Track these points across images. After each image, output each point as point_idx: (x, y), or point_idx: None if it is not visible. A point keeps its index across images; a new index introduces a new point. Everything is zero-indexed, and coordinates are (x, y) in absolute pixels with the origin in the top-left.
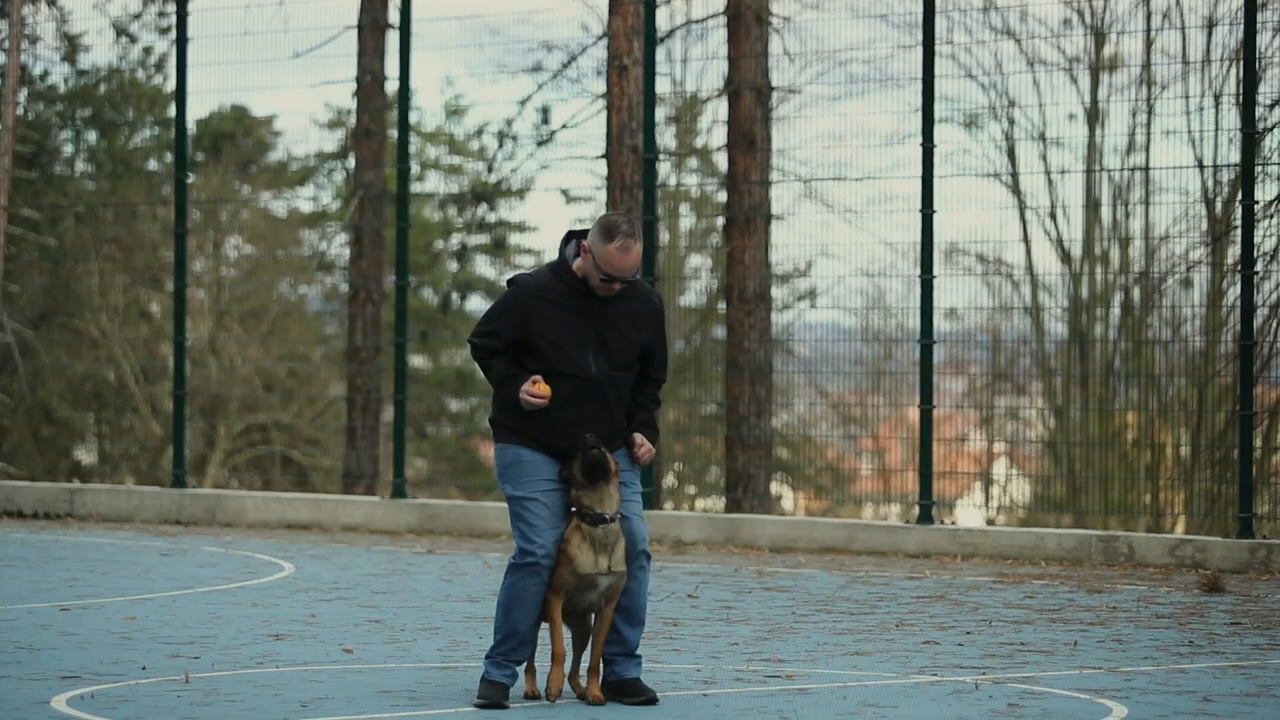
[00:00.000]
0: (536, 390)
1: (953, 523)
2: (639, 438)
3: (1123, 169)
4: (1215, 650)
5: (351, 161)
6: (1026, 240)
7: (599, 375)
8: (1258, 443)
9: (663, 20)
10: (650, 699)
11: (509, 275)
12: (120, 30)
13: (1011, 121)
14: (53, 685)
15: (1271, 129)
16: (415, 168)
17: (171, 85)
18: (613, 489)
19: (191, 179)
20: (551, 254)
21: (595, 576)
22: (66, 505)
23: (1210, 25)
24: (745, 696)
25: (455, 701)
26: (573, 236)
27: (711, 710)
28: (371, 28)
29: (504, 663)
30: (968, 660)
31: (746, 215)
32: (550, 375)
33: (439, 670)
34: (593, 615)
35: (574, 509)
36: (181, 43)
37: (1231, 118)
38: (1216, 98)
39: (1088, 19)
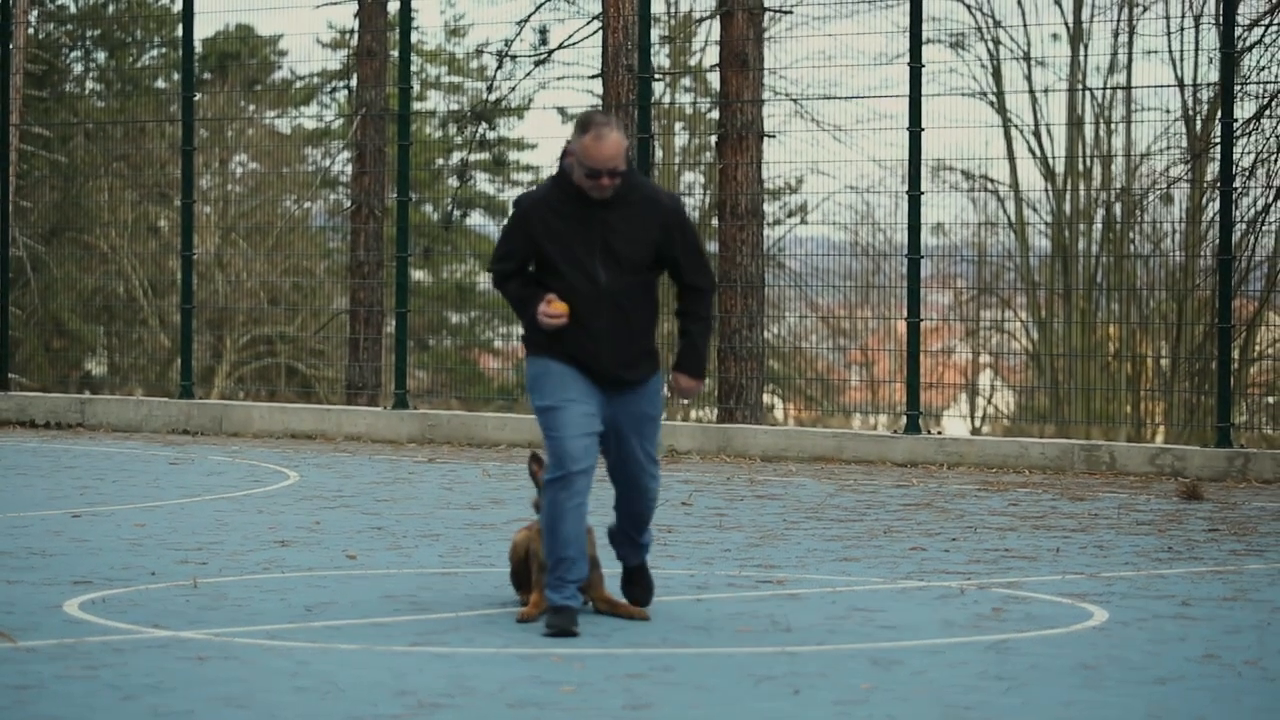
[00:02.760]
0: (552, 310)
1: (939, 432)
2: (678, 377)
3: (1105, 88)
4: (1193, 556)
5: (354, 80)
6: (1011, 157)
7: (610, 284)
8: (1235, 355)
9: None
10: (640, 599)
11: (508, 191)
12: None
13: (997, 42)
14: (65, 590)
15: (1250, 48)
16: (416, 86)
17: (179, 5)
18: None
19: (198, 97)
20: (549, 171)
21: None
22: (77, 415)
23: None
24: (737, 601)
25: (456, 606)
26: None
27: (704, 615)
28: None
29: (561, 584)
30: (953, 566)
31: (739, 133)
32: (565, 288)
33: (440, 575)
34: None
35: (535, 508)
36: None
37: (1211, 37)
38: (1196, 18)
39: None
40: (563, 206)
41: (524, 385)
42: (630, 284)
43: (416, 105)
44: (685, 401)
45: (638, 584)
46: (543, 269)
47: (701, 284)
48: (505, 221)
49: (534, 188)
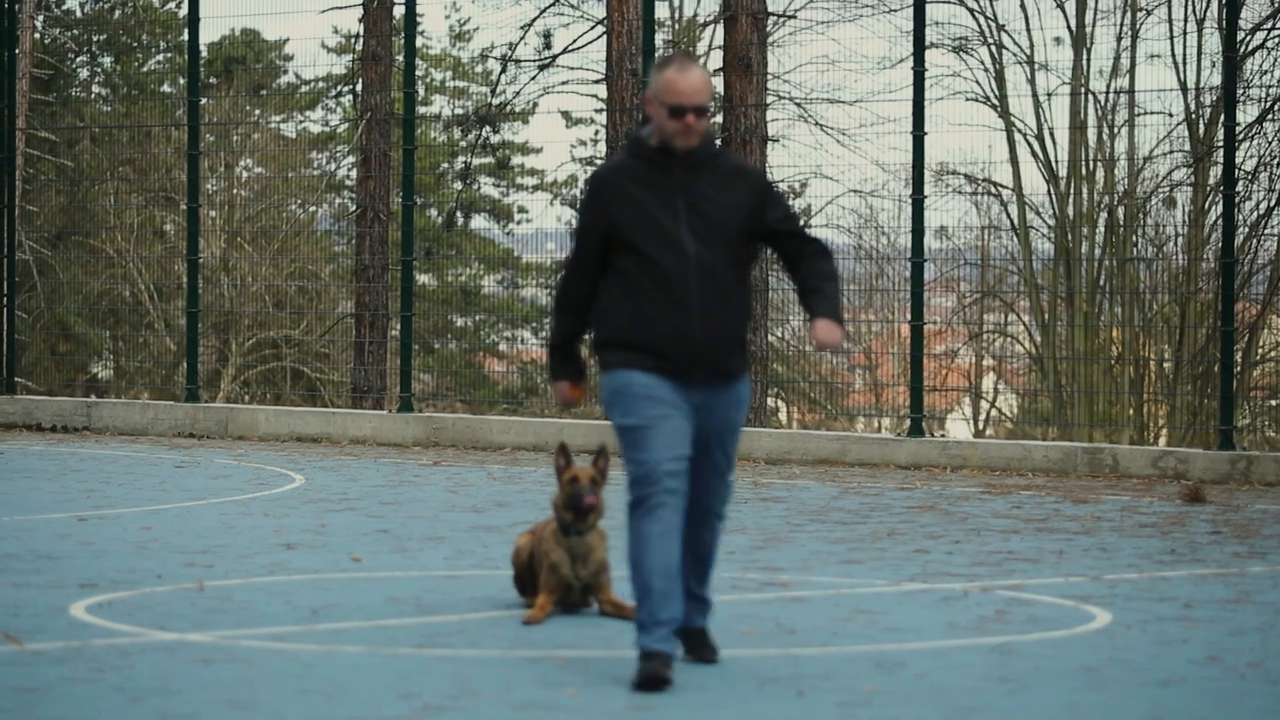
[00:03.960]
0: (570, 396)
1: (943, 435)
2: (820, 325)
3: (1108, 91)
4: (1196, 558)
5: (359, 85)
6: (1014, 161)
7: (700, 254)
8: (1238, 358)
9: None
10: (708, 658)
11: (511, 195)
12: None
13: (1000, 46)
14: (71, 593)
15: (1253, 52)
16: (421, 91)
17: (185, 10)
18: (593, 519)
19: (204, 102)
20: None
21: (570, 580)
22: (84, 419)
23: None
24: (742, 604)
25: (461, 608)
26: (646, 123)
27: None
28: None
29: (651, 625)
30: (957, 568)
31: (743, 137)
32: (646, 267)
33: (445, 578)
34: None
35: (555, 508)
36: None
37: (1214, 41)
38: (1199, 22)
39: None
40: (640, 171)
41: (528, 388)
42: (723, 256)
43: (421, 109)
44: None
45: (704, 645)
46: (617, 249)
47: (816, 245)
48: (581, 201)
49: (606, 160)
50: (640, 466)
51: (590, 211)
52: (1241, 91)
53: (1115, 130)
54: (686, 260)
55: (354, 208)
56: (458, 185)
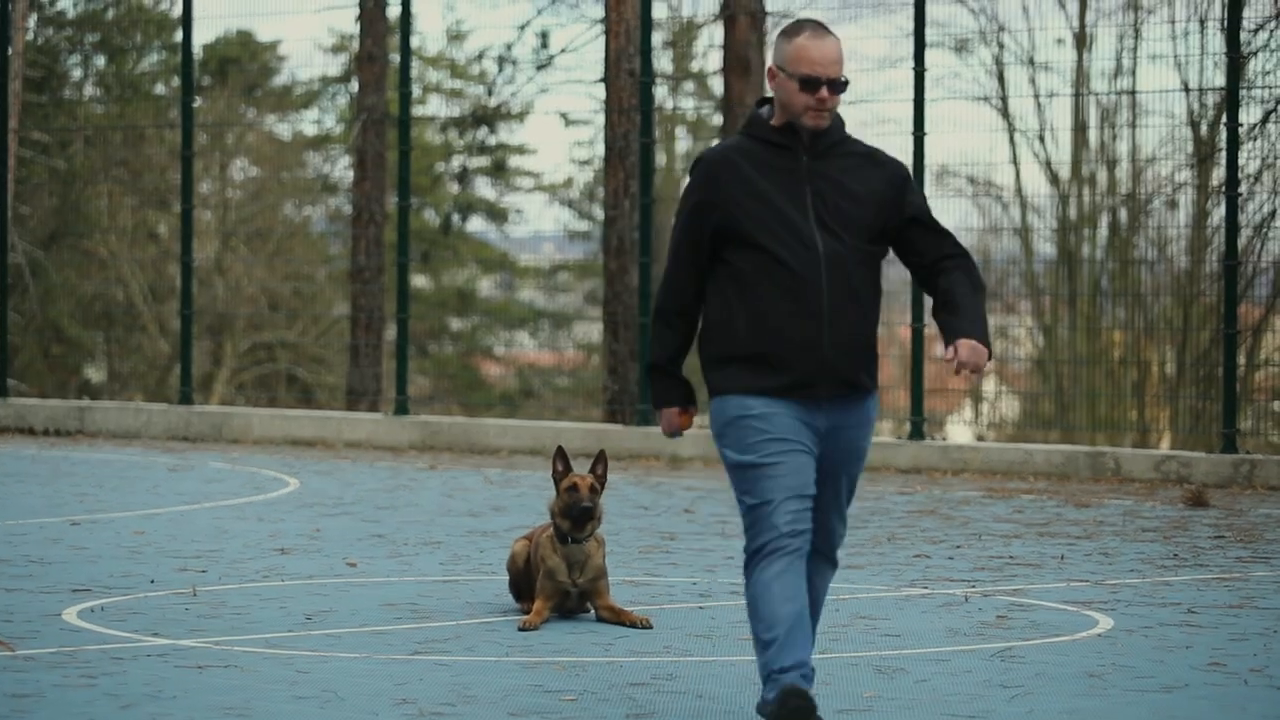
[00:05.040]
0: (677, 423)
1: (943, 439)
2: (962, 346)
3: (1110, 92)
4: (1199, 563)
5: (354, 85)
6: (1016, 162)
7: (830, 249)
8: (1241, 360)
9: None
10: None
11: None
12: None
13: (1001, 46)
14: (64, 598)
15: (1256, 53)
16: (417, 91)
17: (178, 10)
18: (591, 527)
19: (198, 103)
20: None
21: (567, 587)
22: (76, 422)
23: None
24: (740, 609)
25: (457, 614)
26: (764, 103)
27: (707, 623)
28: None
29: (778, 677)
30: (958, 573)
31: None
32: (767, 265)
33: (440, 583)
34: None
35: (552, 514)
36: None
37: (1216, 41)
38: (1202, 22)
39: None
40: (762, 155)
41: (525, 391)
42: (855, 252)
43: (417, 110)
44: (972, 375)
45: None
46: (732, 247)
47: (957, 249)
48: (687, 185)
49: (714, 144)
50: (757, 512)
51: (699, 200)
52: (1244, 92)
53: (1117, 131)
54: (815, 257)
55: (349, 209)
56: (454, 187)
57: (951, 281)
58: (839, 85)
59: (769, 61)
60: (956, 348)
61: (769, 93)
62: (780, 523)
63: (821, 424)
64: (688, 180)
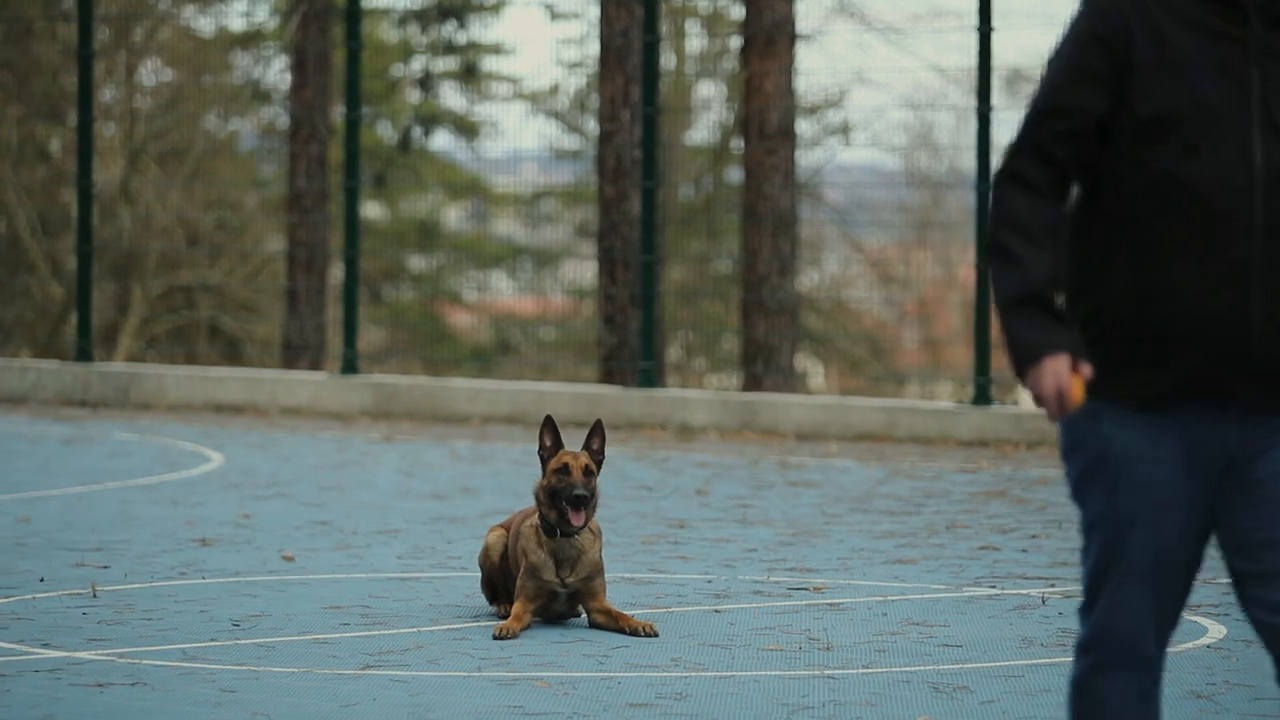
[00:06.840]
0: (1073, 394)
1: (1015, 404)
2: None
3: None
4: None
5: None
6: None
7: (1274, 173)
8: None
9: None
10: None
11: (480, 106)
12: None
13: None
14: None
15: None
16: None
17: None
18: (585, 516)
19: None
20: (532, 82)
21: (555, 586)
22: None
23: None
24: (765, 613)
25: (418, 619)
26: None
27: (725, 629)
28: None
29: None
30: (1033, 570)
31: (768, 34)
32: (1176, 181)
33: (397, 581)
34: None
35: (537, 499)
36: None
37: None
38: None
39: None
40: (1191, 11)
41: (501, 345)
42: None
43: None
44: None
45: None
46: (1125, 143)
47: None
48: (1064, 36)
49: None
50: (1107, 600)
51: (1095, 30)
52: None
53: None
54: (1252, 177)
55: (286, 122)
56: (415, 95)
57: None
58: None
59: None
60: None
61: None
62: (1144, 629)
63: (1234, 441)
64: (1079, 16)
